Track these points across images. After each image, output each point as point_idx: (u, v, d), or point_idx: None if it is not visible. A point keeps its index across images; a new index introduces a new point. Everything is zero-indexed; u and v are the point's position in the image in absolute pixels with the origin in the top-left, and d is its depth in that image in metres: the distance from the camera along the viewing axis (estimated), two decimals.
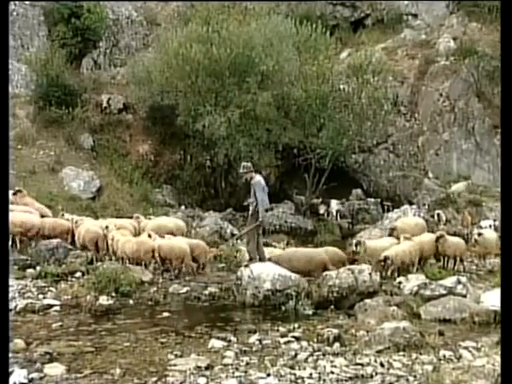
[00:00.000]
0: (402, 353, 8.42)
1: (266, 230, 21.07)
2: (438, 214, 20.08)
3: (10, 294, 11.49)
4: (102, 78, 27.04)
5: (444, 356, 8.28)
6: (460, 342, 9.03)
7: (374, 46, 27.70)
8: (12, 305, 10.91)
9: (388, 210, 22.74)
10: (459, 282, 11.85)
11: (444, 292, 11.47)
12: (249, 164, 12.94)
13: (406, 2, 31.37)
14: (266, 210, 12.49)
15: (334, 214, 23.55)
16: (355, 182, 26.04)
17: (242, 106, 22.21)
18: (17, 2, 27.86)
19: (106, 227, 14.28)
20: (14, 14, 27.66)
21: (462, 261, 14.60)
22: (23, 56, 26.82)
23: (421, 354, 8.41)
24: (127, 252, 13.48)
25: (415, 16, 31.09)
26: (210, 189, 24.89)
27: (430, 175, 24.94)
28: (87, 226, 14.73)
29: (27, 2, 28.19)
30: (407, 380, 7.47)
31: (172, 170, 24.56)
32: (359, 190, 25.50)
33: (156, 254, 13.53)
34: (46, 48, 26.59)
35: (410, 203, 22.81)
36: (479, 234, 15.09)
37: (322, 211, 23.75)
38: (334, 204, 23.67)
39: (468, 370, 7.54)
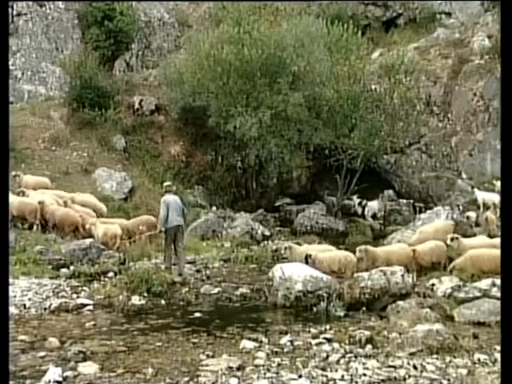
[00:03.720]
0: (435, 356, 8.31)
1: (297, 231, 21.17)
2: (468, 217, 19.69)
3: (45, 293, 11.69)
4: (134, 79, 27.29)
5: (479, 359, 8.16)
6: (495, 345, 8.86)
7: (406, 45, 27.40)
8: (46, 304, 11.08)
9: (420, 212, 22.46)
10: (494, 284, 11.63)
11: (478, 294, 11.26)
12: (168, 183, 14.65)
13: (439, 1, 30.99)
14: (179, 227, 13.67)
15: (374, 213, 23.40)
16: (387, 182, 25.80)
17: (273, 107, 22.21)
18: (51, 6, 28.31)
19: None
20: (49, 17, 28.14)
21: None
22: (57, 59, 27.26)
23: (455, 357, 8.29)
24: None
25: (449, 14, 30.69)
26: (241, 189, 24.93)
27: (464, 176, 24.56)
28: None
29: (62, 6, 28.63)
30: (441, 383, 7.37)
31: (203, 170, 24.67)
32: (391, 191, 25.25)
33: None
34: (80, 51, 26.98)
35: (435, 204, 22.44)
36: (452, 239, 14.31)
37: (359, 212, 23.64)
38: (375, 204, 23.51)
39: None
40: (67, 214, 16.38)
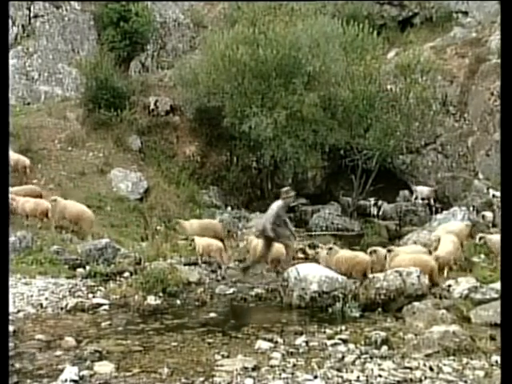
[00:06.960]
0: (451, 357, 8.24)
1: (312, 231, 21.13)
2: (483, 216, 19.52)
3: (62, 293, 11.77)
4: (149, 80, 27.38)
5: (496, 362, 8.06)
6: None
7: (422, 45, 27.23)
8: (63, 303, 11.15)
9: (436, 212, 22.34)
10: None
11: (495, 296, 11.13)
12: (286, 189, 14.60)
13: (455, 0, 30.78)
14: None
15: (421, 199, 23.56)
16: (403, 183, 25.68)
17: (288, 107, 22.19)
18: (68, 8, 28.51)
19: None
20: (66, 19, 28.33)
21: None
22: (74, 60, 27.45)
23: (472, 358, 8.21)
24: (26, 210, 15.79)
25: (465, 13, 30.42)
26: (256, 190, 24.94)
27: (481, 176, 24.36)
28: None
29: (78, 8, 28.82)
30: None
31: (218, 171, 24.69)
32: (407, 192, 25.12)
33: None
34: (96, 52, 27.15)
35: (451, 205, 22.28)
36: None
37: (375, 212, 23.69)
38: (425, 190, 23.78)
39: None
40: None
